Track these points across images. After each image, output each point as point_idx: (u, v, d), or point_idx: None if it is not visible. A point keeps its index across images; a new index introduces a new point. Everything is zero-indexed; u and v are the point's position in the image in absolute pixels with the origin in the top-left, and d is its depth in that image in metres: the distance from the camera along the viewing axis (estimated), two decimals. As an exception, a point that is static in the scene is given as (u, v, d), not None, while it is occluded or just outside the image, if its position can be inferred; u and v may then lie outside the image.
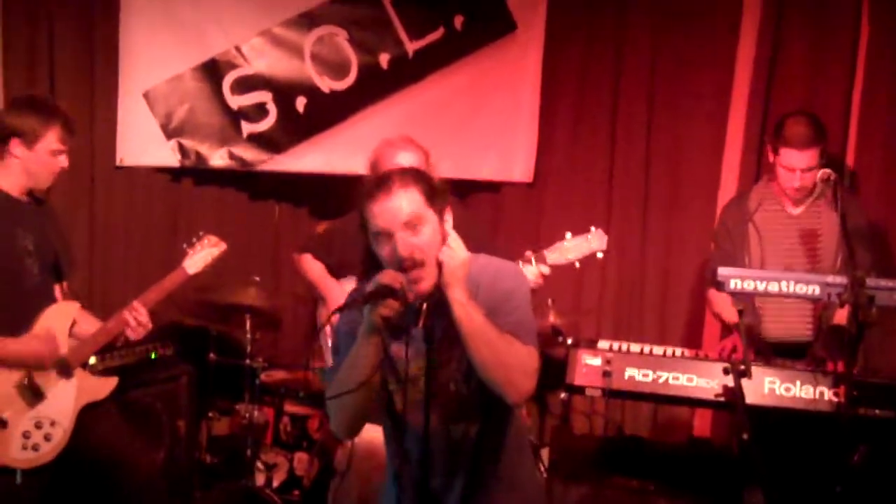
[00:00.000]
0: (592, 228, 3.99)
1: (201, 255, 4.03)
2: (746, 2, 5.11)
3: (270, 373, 5.06)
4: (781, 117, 4.28)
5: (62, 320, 3.87)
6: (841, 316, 4.06)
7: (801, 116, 4.23)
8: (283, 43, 5.43)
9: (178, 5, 5.37)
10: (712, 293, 4.32)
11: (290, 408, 5.03)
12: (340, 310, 2.71)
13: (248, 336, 4.86)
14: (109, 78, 5.36)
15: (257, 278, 4.96)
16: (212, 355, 4.98)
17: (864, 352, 3.86)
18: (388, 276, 2.69)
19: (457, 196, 5.42)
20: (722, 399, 3.64)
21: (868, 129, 4.84)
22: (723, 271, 3.66)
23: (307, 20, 5.43)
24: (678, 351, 4.01)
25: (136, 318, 3.85)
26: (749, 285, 3.61)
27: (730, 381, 3.53)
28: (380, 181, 2.73)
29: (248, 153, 5.48)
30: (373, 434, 4.06)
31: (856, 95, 4.86)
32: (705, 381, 3.75)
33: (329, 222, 4.84)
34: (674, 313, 5.24)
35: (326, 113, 5.48)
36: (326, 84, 5.46)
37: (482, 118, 5.53)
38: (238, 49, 5.41)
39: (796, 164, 4.12)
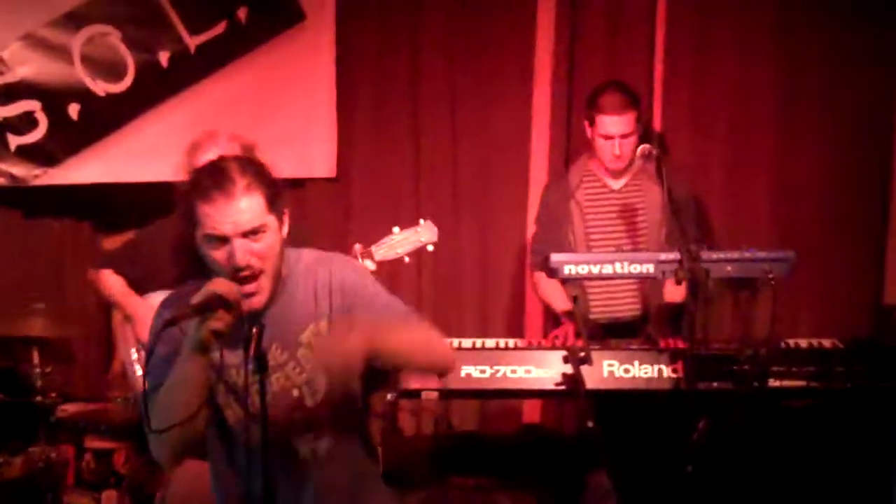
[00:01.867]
0: (421, 220, 3.81)
1: None
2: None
3: (65, 407, 4.61)
4: (593, 90, 4.23)
5: None
6: (669, 292, 4.03)
7: (613, 85, 4.20)
8: (48, 46, 4.95)
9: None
10: (540, 278, 4.22)
11: (91, 443, 4.59)
12: (171, 323, 2.40)
13: (38, 370, 4.40)
14: None
15: (41, 305, 4.49)
16: (-5, 393, 4.50)
17: (687, 324, 3.84)
18: (220, 285, 2.43)
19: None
20: (563, 388, 3.51)
21: (672, 92, 4.87)
22: (556, 258, 3.55)
23: (74, 20, 4.96)
24: (511, 342, 3.87)
25: None
26: (583, 270, 3.52)
27: (569, 368, 3.42)
28: (217, 179, 2.47)
29: (18, 168, 4.98)
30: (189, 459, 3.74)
31: (657, 64, 4.86)
32: (544, 370, 3.63)
33: (135, 232, 4.42)
34: (493, 304, 5.10)
35: (103, 119, 5.04)
36: (101, 87, 5.02)
37: (277, 114, 5.20)
38: (-1, 55, 4.90)
39: (613, 130, 4.07)
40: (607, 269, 3.52)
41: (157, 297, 3.92)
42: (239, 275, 2.46)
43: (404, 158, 5.19)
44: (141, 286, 4.01)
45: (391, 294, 2.69)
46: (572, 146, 4.89)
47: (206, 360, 2.46)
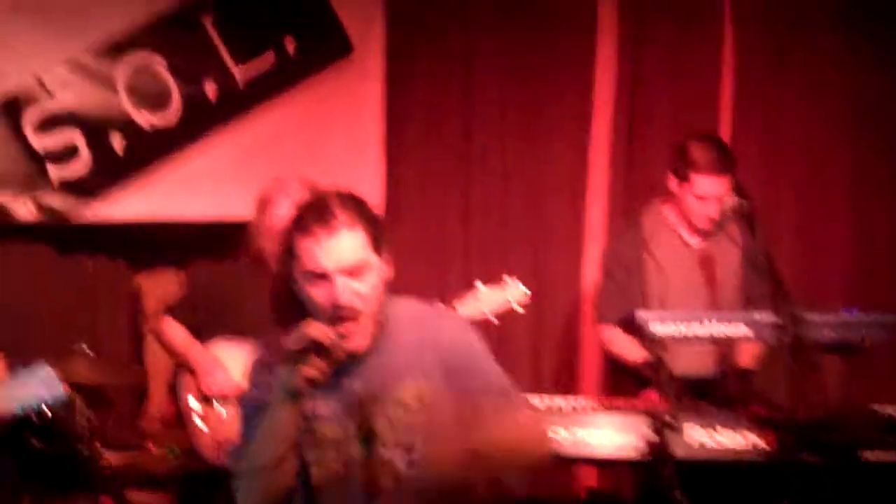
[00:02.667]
0: (507, 277, 3.59)
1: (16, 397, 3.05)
2: (601, 12, 4.87)
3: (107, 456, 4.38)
4: (682, 142, 3.98)
5: None
6: (745, 354, 3.83)
7: (710, 140, 3.98)
8: (91, 73, 4.76)
9: (-33, 35, 4.61)
10: (609, 332, 4.02)
11: (133, 496, 4.38)
12: (263, 365, 2.37)
13: (80, 417, 4.17)
14: None
15: (84, 346, 4.27)
16: (34, 441, 4.26)
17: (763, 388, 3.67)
18: (315, 329, 2.30)
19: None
20: (646, 456, 3.29)
21: (740, 144, 4.64)
22: (643, 315, 3.34)
23: (119, 47, 4.78)
24: (580, 402, 3.65)
25: None
26: (672, 329, 3.30)
27: (651, 434, 3.22)
28: (319, 213, 2.36)
29: (59, 202, 4.78)
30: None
31: (724, 111, 4.69)
32: (624, 435, 3.38)
33: (191, 279, 4.22)
34: (545, 357, 4.90)
35: (147, 151, 4.85)
36: (145, 118, 4.83)
37: (323, 148, 5.04)
38: (39, 81, 4.70)
39: (712, 191, 3.82)
40: (699, 329, 3.32)
41: (220, 346, 3.78)
42: (338, 314, 2.34)
43: (453, 199, 5.01)
44: (202, 334, 3.85)
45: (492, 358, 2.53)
46: (631, 191, 4.71)
47: (297, 408, 2.34)
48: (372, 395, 2.42)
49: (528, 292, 3.60)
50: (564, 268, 4.84)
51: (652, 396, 3.71)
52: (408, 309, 2.57)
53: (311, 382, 2.30)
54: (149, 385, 5.02)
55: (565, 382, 4.82)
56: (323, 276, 2.36)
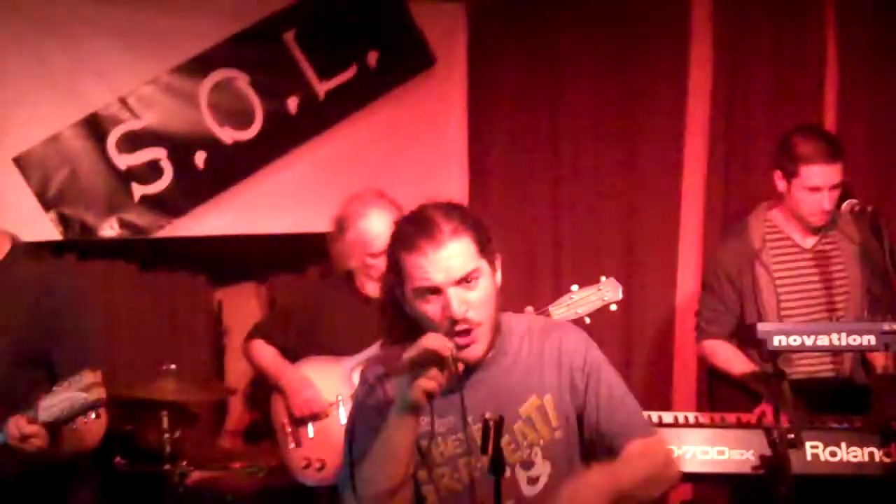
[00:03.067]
0: (603, 278, 3.53)
1: (62, 401, 2.74)
2: (695, 7, 4.73)
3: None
4: (785, 136, 3.87)
5: None
6: (878, 359, 3.70)
7: (815, 131, 3.89)
8: (174, 91, 4.73)
9: (50, 53, 4.56)
10: (713, 347, 3.89)
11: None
12: (382, 378, 2.31)
13: (167, 435, 4.13)
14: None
15: (173, 366, 4.23)
16: (118, 459, 4.22)
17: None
18: (434, 341, 2.22)
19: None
20: (761, 472, 3.14)
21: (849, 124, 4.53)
22: (764, 327, 3.22)
23: (201, 64, 4.74)
24: (691, 417, 3.50)
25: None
26: (796, 341, 3.16)
27: (767, 450, 3.08)
28: (422, 227, 2.30)
29: (142, 219, 4.74)
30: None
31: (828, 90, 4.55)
32: (739, 452, 3.24)
33: (282, 299, 4.23)
34: (638, 371, 4.76)
35: (230, 168, 4.81)
36: (228, 135, 4.79)
37: (406, 163, 4.98)
38: (123, 101, 4.66)
39: (825, 181, 3.71)
40: (823, 341, 3.18)
41: (309, 366, 3.73)
42: (455, 328, 2.27)
43: (540, 209, 4.90)
44: (292, 353, 3.82)
45: (621, 380, 2.46)
46: (729, 195, 4.57)
47: (415, 424, 2.25)
48: (497, 412, 2.30)
49: (622, 292, 3.53)
50: (658, 275, 4.71)
51: (765, 410, 3.56)
52: (524, 321, 2.51)
53: (429, 396, 2.21)
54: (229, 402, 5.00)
55: (657, 394, 4.66)
56: (435, 291, 2.29)
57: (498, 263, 2.39)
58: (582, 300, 3.49)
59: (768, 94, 4.65)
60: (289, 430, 3.74)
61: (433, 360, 2.20)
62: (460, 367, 2.26)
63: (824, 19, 4.63)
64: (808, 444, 3.26)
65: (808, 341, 3.20)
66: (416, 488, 2.36)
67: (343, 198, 4.67)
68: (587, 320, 3.49)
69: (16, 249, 3.06)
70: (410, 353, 2.23)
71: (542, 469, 2.35)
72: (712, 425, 3.38)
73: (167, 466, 4.12)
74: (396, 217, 3.55)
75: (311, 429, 3.69)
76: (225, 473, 4.37)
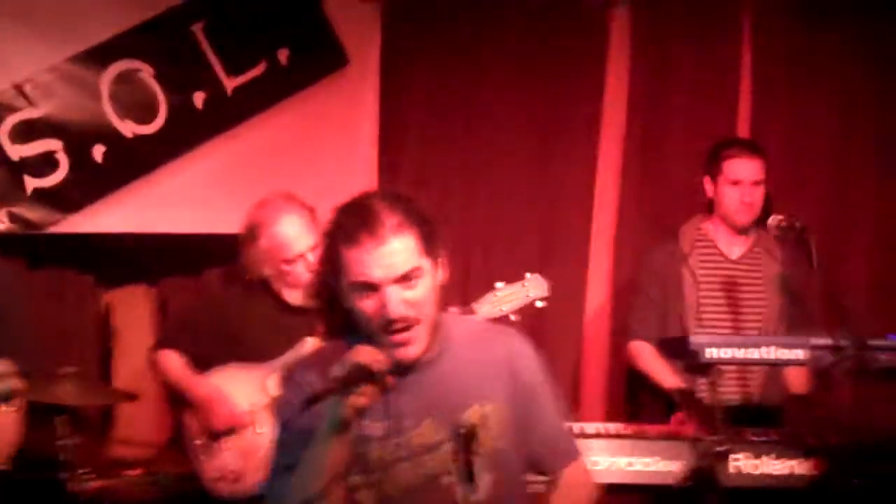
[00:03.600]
0: (528, 274, 3.47)
1: None
2: (613, 15, 4.76)
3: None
4: (714, 145, 4.02)
5: None
6: (794, 378, 3.76)
7: (737, 138, 4.14)
8: (74, 80, 4.50)
9: (-59, 32, 4.33)
10: (640, 348, 3.95)
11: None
12: (312, 402, 2.10)
13: (63, 442, 3.91)
14: None
15: (72, 369, 4.00)
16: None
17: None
18: (365, 356, 2.14)
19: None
20: (690, 484, 3.15)
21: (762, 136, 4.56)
22: (697, 339, 3.23)
23: (104, 53, 4.53)
24: (611, 427, 3.49)
25: None
26: (727, 354, 3.19)
27: (695, 461, 3.09)
28: (364, 219, 2.19)
29: (34, 213, 4.50)
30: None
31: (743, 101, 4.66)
32: (666, 463, 3.24)
33: (187, 306, 4.05)
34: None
35: (130, 163, 4.60)
36: (129, 128, 4.59)
37: (314, 165, 4.83)
38: (19, 88, 4.42)
39: (744, 175, 3.88)
40: (753, 354, 3.21)
41: (222, 375, 3.58)
42: (391, 326, 2.19)
43: (452, 214, 4.81)
44: (203, 363, 3.66)
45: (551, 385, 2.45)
46: (643, 204, 4.65)
47: (346, 438, 2.17)
48: (438, 416, 2.28)
49: (548, 288, 3.49)
50: (569, 283, 4.66)
51: (681, 420, 3.60)
52: (466, 324, 2.47)
53: (361, 411, 2.15)
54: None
55: (565, 397, 4.65)
56: (373, 288, 2.20)
57: (442, 261, 2.31)
58: (507, 297, 3.43)
59: (684, 104, 4.71)
60: (200, 441, 3.57)
61: (364, 375, 2.12)
62: (390, 381, 2.17)
63: (741, 27, 4.71)
64: (737, 458, 3.28)
65: (740, 354, 3.23)
66: (350, 493, 2.26)
67: (251, 202, 4.51)
68: (512, 318, 3.42)
69: None
70: (340, 369, 2.13)
71: (482, 479, 2.26)
72: (637, 436, 3.37)
73: (64, 474, 3.90)
74: (309, 220, 3.51)
75: (225, 440, 3.54)
76: (124, 482, 4.18)
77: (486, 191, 4.80)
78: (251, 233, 3.58)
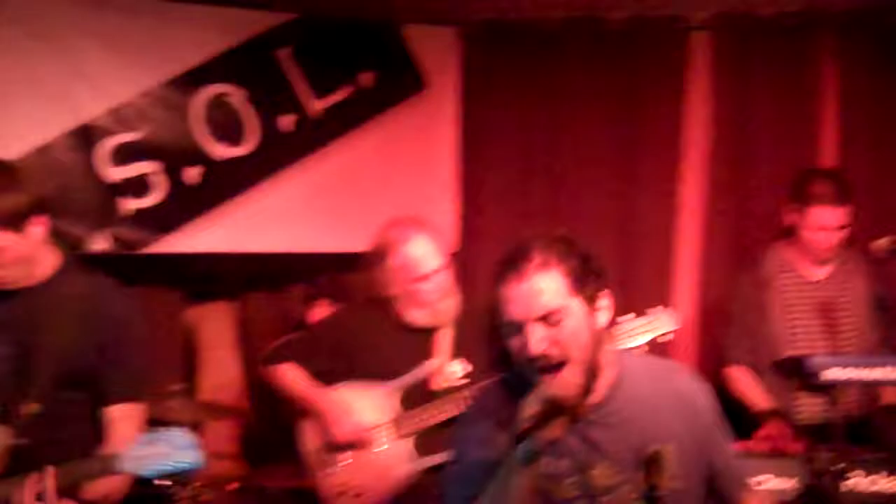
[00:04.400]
0: (659, 308, 3.52)
1: (155, 455, 2.61)
2: (694, 45, 4.84)
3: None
4: (800, 175, 4.04)
5: None
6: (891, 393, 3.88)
7: (827, 174, 4.06)
8: (168, 104, 4.63)
9: (41, 60, 4.41)
10: (736, 373, 4.02)
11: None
12: (521, 439, 2.13)
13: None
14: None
15: (177, 386, 4.12)
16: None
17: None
18: (559, 388, 2.19)
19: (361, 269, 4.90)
20: (804, 500, 3.27)
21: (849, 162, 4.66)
22: (815, 361, 3.33)
23: (196, 77, 4.67)
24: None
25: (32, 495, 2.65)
26: (845, 374, 3.29)
27: (809, 479, 3.21)
28: (513, 258, 2.24)
29: (133, 233, 4.63)
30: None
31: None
32: (782, 480, 3.36)
33: (314, 324, 4.11)
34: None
35: (223, 184, 4.74)
36: (222, 151, 4.72)
37: (396, 185, 4.98)
38: (115, 112, 4.54)
39: (829, 222, 3.89)
40: (874, 374, 3.31)
41: (346, 392, 3.66)
42: (534, 365, 2.21)
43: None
44: (324, 379, 3.70)
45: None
46: (725, 234, 4.73)
47: (535, 471, 2.19)
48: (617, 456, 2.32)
49: (676, 318, 3.53)
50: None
51: (770, 434, 3.71)
52: (639, 361, 2.47)
53: (553, 444, 2.19)
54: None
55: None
56: (518, 326, 2.24)
57: (603, 301, 2.29)
58: (635, 330, 3.47)
59: (767, 127, 4.77)
60: (323, 455, 3.64)
61: (560, 409, 2.17)
62: (584, 412, 2.23)
63: (823, 51, 4.76)
64: (853, 476, 3.34)
65: (859, 374, 3.32)
66: None
67: (335, 221, 4.74)
68: (644, 350, 3.48)
69: (66, 264, 2.96)
70: (535, 403, 2.16)
71: None
72: (747, 454, 3.46)
73: (178, 489, 4.00)
74: (436, 242, 3.61)
75: (348, 455, 3.60)
76: (229, 496, 4.30)
77: (567, 213, 4.87)
78: (380, 252, 3.60)
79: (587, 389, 2.28)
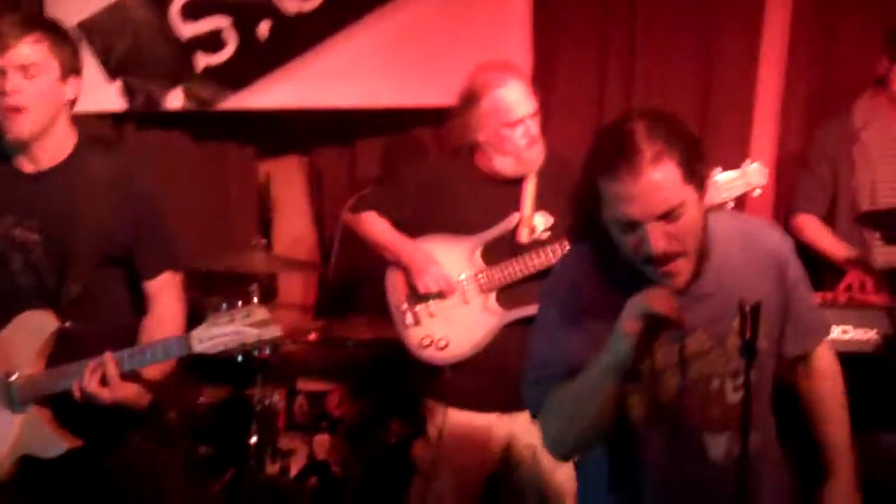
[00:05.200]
0: (748, 161, 3.43)
1: (226, 335, 2.62)
2: None
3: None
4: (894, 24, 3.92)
5: (25, 336, 2.86)
6: None
7: None
8: (238, -42, 4.58)
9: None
10: (808, 221, 4.01)
11: (304, 386, 4.41)
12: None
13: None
14: (34, 6, 4.39)
15: (263, 241, 4.23)
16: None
17: None
18: (660, 302, 2.14)
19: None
20: (884, 352, 3.31)
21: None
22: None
23: (265, -68, 4.59)
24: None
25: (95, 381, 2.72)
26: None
27: (890, 329, 3.24)
28: (622, 148, 2.13)
29: (206, 90, 4.65)
30: (461, 419, 3.54)
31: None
32: (863, 331, 3.38)
33: (399, 172, 4.03)
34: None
35: (293, 39, 4.68)
36: (292, 5, 4.66)
37: (468, 37, 4.86)
38: (187, -32, 4.52)
39: None
40: None
41: (430, 243, 3.65)
42: (654, 262, 2.19)
43: (611, 97, 4.75)
44: (407, 230, 3.69)
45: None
46: (810, 86, 4.58)
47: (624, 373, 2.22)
48: (711, 327, 2.33)
49: (766, 172, 3.45)
50: (730, 159, 4.69)
51: (851, 283, 3.71)
52: (725, 224, 2.41)
53: (651, 354, 2.23)
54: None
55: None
56: (633, 224, 2.16)
57: (708, 182, 2.24)
58: (726, 184, 3.37)
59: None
60: (407, 307, 3.66)
61: (663, 322, 2.14)
62: (683, 325, 2.20)
63: None
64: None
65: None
66: (621, 399, 2.30)
67: (404, 75, 4.67)
68: (731, 204, 3.40)
69: (82, 142, 2.92)
70: (635, 317, 2.14)
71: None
72: (828, 305, 3.48)
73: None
74: (530, 90, 3.55)
75: (432, 306, 3.62)
76: (309, 347, 4.43)
77: (644, 63, 4.73)
78: (473, 95, 3.51)
79: (696, 275, 2.27)
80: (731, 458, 2.33)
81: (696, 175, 2.18)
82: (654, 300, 2.14)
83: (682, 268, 2.23)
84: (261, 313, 2.58)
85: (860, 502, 2.50)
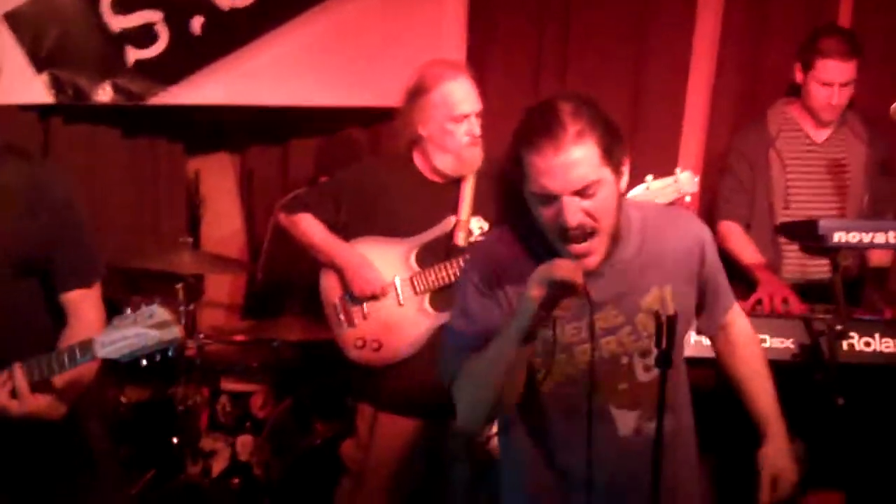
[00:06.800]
0: (678, 169, 3.52)
1: (128, 338, 2.50)
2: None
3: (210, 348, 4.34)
4: (813, 32, 4.04)
5: None
6: (879, 255, 3.94)
7: (837, 29, 4.07)
8: (171, -49, 4.53)
9: None
10: (729, 228, 4.07)
11: (227, 385, 4.37)
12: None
13: (182, 308, 4.10)
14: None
15: (189, 239, 4.18)
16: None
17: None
18: (564, 270, 2.18)
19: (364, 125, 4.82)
20: (800, 360, 3.37)
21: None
22: (825, 224, 3.35)
23: (200, -76, 4.55)
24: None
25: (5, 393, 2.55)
26: (855, 238, 3.31)
27: (806, 338, 3.30)
28: (547, 123, 2.20)
29: (136, 84, 4.58)
30: (392, 420, 3.54)
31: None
32: (779, 340, 3.44)
33: (336, 174, 3.98)
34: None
35: (226, 35, 4.64)
36: (226, 1, 4.62)
37: (403, 39, 4.87)
38: (118, -41, 4.45)
39: (835, 77, 3.90)
40: (880, 239, 3.33)
41: (364, 245, 3.67)
42: (568, 235, 2.25)
43: (544, 80, 4.81)
44: (338, 231, 3.71)
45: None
46: (736, 92, 4.68)
47: (534, 341, 2.28)
48: (620, 303, 2.39)
49: (696, 180, 3.56)
50: (659, 164, 4.74)
51: (762, 298, 3.76)
52: (640, 210, 2.49)
53: (555, 319, 2.25)
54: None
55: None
56: (551, 197, 2.24)
57: (625, 168, 2.31)
58: (658, 191, 3.47)
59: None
60: (341, 308, 3.66)
61: (566, 291, 2.18)
62: (588, 294, 2.24)
63: None
64: (850, 336, 3.42)
65: (867, 238, 3.35)
66: (531, 373, 2.35)
67: (338, 75, 4.65)
68: None
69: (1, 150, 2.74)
70: (540, 284, 2.18)
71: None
72: (753, 314, 3.51)
73: (185, 341, 4.09)
74: (475, 88, 3.55)
75: (365, 308, 3.62)
76: (238, 348, 4.39)
77: (578, 63, 4.78)
78: (422, 87, 3.53)
79: (608, 255, 2.34)
80: (641, 436, 2.40)
81: (613, 157, 2.26)
82: (559, 268, 2.18)
83: (595, 248, 2.29)
84: (162, 314, 2.50)
85: (794, 455, 2.59)
